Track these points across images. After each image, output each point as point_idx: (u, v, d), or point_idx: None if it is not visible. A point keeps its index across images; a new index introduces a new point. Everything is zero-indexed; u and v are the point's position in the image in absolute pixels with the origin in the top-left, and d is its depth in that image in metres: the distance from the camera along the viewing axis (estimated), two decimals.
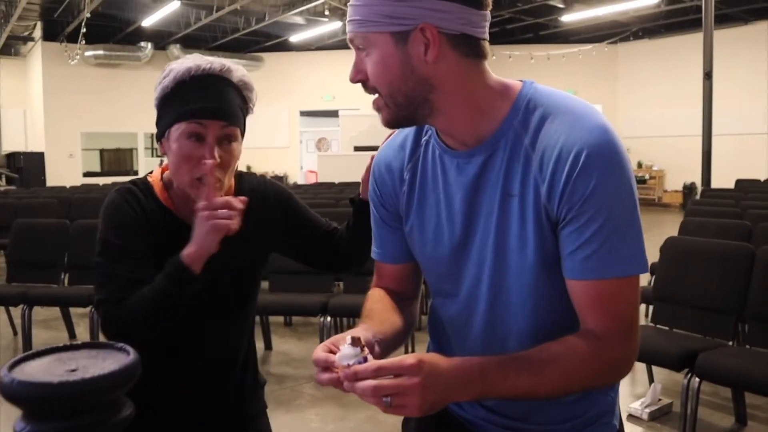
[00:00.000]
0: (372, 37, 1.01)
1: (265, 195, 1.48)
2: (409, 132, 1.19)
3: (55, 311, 5.09)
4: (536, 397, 1.00)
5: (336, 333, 4.50)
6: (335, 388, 0.94)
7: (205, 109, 1.27)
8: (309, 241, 1.54)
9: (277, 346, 4.66)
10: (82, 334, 4.87)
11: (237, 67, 1.34)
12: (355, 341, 0.92)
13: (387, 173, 1.21)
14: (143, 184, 1.39)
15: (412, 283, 1.27)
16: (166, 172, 1.41)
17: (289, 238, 1.51)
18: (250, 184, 1.47)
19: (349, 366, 0.90)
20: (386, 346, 1.08)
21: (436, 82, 1.02)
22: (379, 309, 1.18)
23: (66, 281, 4.88)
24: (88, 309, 4.32)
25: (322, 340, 3.92)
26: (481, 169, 1.07)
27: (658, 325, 3.42)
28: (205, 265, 1.29)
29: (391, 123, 1.07)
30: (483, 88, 1.05)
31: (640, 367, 3.76)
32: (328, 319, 3.93)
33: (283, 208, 1.50)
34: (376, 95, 1.05)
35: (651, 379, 3.67)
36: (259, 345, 4.55)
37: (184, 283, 1.24)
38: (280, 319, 5.16)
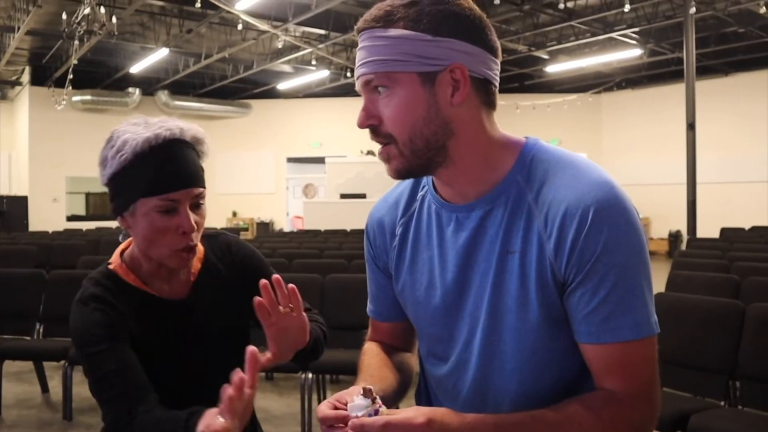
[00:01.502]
0: (397, 77, 0.96)
1: (233, 258, 1.40)
2: (405, 188, 1.15)
3: (29, 363, 4.93)
4: None
5: (318, 390, 4.37)
6: None
7: (176, 181, 1.21)
8: None
9: (257, 402, 4.43)
10: (56, 387, 4.70)
11: (188, 126, 1.28)
12: (367, 393, 0.90)
13: (378, 230, 1.17)
14: (106, 277, 1.31)
15: (408, 339, 1.22)
16: (128, 251, 1.34)
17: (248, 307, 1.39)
18: (218, 247, 1.40)
19: (358, 417, 0.88)
20: (385, 403, 1.04)
21: (456, 128, 0.98)
22: (375, 365, 1.14)
23: (41, 333, 4.74)
24: (62, 363, 4.17)
25: (303, 397, 3.82)
26: (479, 223, 1.02)
27: None
28: (177, 335, 1.29)
29: (403, 173, 1.01)
30: (493, 139, 1.03)
31: None
32: (310, 375, 3.81)
33: (249, 273, 1.38)
34: (386, 145, 1.00)
35: None
36: None
37: None
38: (261, 372, 5.02)
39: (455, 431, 0.89)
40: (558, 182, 0.98)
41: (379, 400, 0.90)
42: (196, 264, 1.36)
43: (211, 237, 1.41)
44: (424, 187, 1.12)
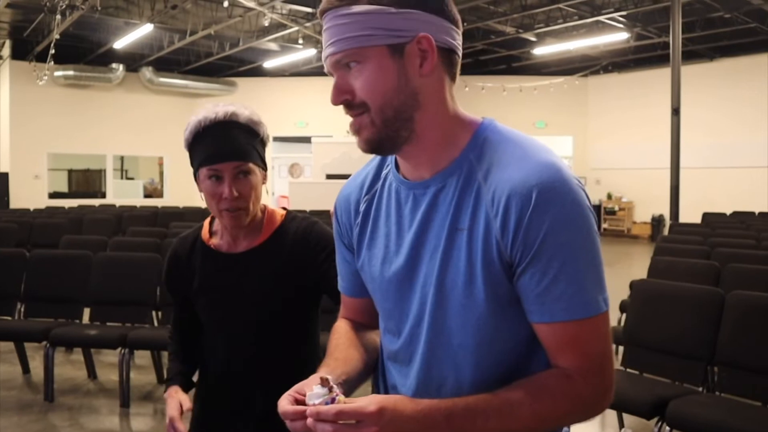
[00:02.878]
0: (367, 52, 0.98)
1: (307, 240, 1.62)
2: (371, 167, 1.18)
3: (9, 344, 4.90)
4: None
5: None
6: None
7: (216, 155, 1.51)
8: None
9: None
10: (37, 368, 4.67)
11: (242, 111, 1.55)
12: (324, 382, 0.93)
13: (344, 206, 1.20)
14: (199, 227, 1.71)
15: (376, 316, 1.23)
16: None
17: (319, 285, 1.62)
18: (293, 228, 1.64)
19: (315, 405, 0.91)
20: (350, 386, 1.07)
21: (423, 99, 1.01)
22: (342, 346, 1.16)
23: (22, 313, 4.71)
24: (43, 344, 4.15)
25: None
26: (432, 200, 1.04)
27: (628, 369, 3.38)
28: (227, 285, 1.63)
29: (372, 143, 1.02)
30: (453, 114, 1.05)
31: (610, 412, 3.70)
32: None
33: (320, 257, 1.59)
34: (357, 116, 1.01)
35: (621, 424, 3.62)
36: None
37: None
38: None
39: (408, 419, 0.91)
40: (505, 162, 1.00)
41: (336, 389, 0.93)
42: (265, 233, 1.63)
43: (299, 218, 1.67)
44: (387, 166, 1.15)
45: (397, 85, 0.99)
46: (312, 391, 0.93)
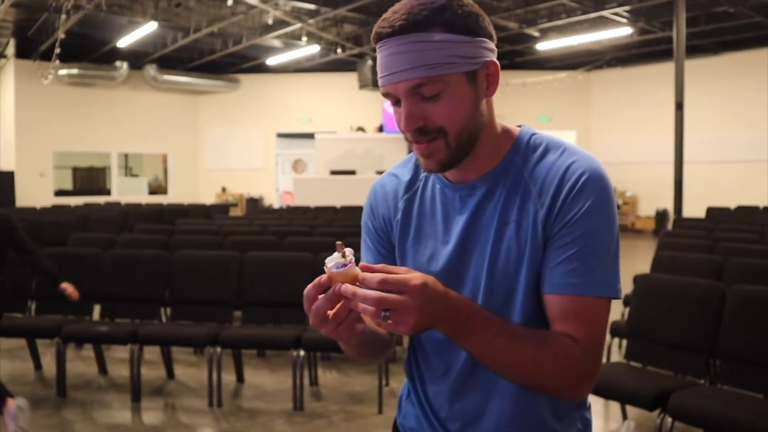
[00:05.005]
0: (449, 79, 1.02)
1: None
2: (407, 167, 1.24)
3: (21, 340, 4.96)
4: (500, 367, 1.03)
5: (310, 366, 4.44)
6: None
7: None
8: None
9: (250, 378, 4.58)
10: (48, 364, 4.74)
11: None
12: (338, 247, 0.93)
13: (383, 201, 1.25)
14: None
15: None
16: None
17: None
18: None
19: (327, 267, 0.92)
20: (366, 336, 1.09)
21: (485, 119, 1.09)
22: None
23: (33, 310, 4.77)
24: (54, 340, 4.22)
25: (295, 374, 3.89)
26: (481, 200, 1.13)
27: (631, 362, 3.43)
28: None
29: (445, 164, 1.08)
30: (498, 126, 1.14)
31: (613, 404, 3.76)
32: (302, 353, 3.87)
33: None
34: (430, 141, 1.05)
35: (624, 416, 3.67)
36: (231, 377, 4.48)
37: None
38: (253, 349, 5.08)
39: (441, 297, 0.95)
40: (553, 158, 1.10)
41: (350, 257, 0.93)
42: None
43: None
44: None
45: (474, 111, 1.06)
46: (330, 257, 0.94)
